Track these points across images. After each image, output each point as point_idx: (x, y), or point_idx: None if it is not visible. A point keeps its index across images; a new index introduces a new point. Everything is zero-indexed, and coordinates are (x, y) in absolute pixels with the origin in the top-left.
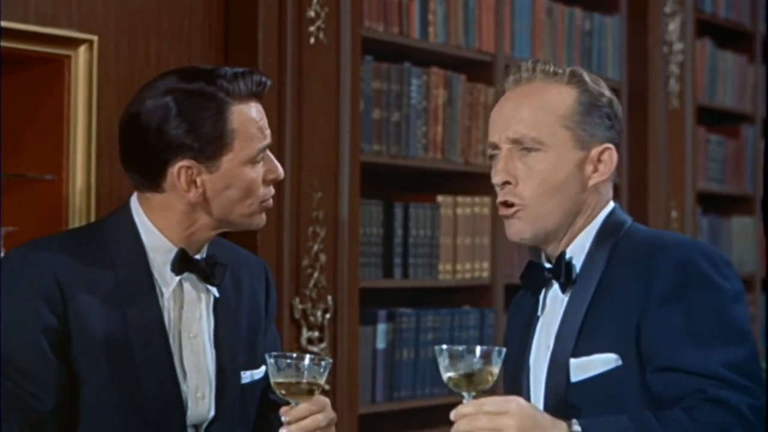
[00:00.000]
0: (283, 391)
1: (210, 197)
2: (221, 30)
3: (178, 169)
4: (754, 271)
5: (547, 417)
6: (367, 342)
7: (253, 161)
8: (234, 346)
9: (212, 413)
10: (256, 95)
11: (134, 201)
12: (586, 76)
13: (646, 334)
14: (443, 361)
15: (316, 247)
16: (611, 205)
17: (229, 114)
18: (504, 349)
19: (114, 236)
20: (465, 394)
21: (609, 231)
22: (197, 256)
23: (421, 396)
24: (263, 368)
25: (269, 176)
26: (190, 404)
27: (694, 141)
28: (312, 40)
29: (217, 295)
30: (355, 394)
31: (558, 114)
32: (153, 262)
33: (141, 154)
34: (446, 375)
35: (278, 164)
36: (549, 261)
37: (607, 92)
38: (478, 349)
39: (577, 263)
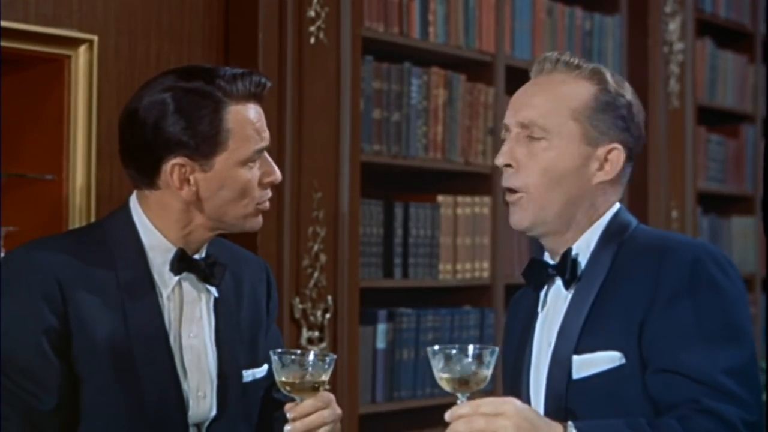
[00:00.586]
0: (287, 388)
1: (204, 197)
2: (221, 30)
3: (172, 166)
4: (754, 271)
5: (543, 419)
6: (367, 342)
7: (247, 162)
8: (235, 345)
9: (214, 412)
10: (255, 96)
11: (133, 200)
12: (609, 76)
13: (649, 334)
14: (437, 363)
15: (316, 247)
16: (617, 205)
17: (226, 113)
18: (497, 349)
19: (114, 236)
20: (459, 395)
21: (615, 231)
22: (196, 256)
23: (421, 396)
24: (265, 367)
25: (266, 179)
26: (191, 403)
27: (695, 141)
28: (312, 40)
29: (216, 295)
30: (355, 394)
31: (571, 106)
32: (152, 262)
33: (138, 150)
34: (440, 376)
35: (276, 167)
36: (552, 258)
37: (629, 96)
38: (470, 350)
39: (582, 261)
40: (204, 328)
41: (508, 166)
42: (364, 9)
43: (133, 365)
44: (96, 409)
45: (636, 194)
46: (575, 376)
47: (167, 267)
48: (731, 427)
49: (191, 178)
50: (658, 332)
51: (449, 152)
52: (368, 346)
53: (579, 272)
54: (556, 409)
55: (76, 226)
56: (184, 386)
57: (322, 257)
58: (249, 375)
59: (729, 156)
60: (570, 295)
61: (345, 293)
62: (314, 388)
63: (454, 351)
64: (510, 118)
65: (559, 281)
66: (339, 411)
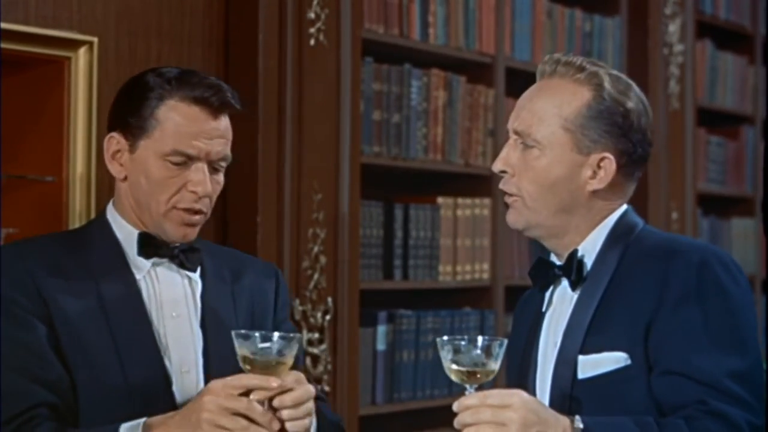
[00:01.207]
0: (247, 366)
1: (130, 180)
2: (221, 31)
3: (109, 138)
4: (755, 272)
5: (550, 412)
6: (367, 343)
7: (166, 158)
8: (223, 331)
9: (202, 387)
10: (204, 104)
11: (110, 204)
12: (607, 81)
13: (656, 336)
14: (446, 354)
15: (316, 249)
16: (624, 207)
17: (162, 104)
18: (505, 341)
19: (90, 235)
20: (467, 386)
21: (621, 232)
22: (176, 244)
23: (422, 397)
24: None
25: (189, 186)
26: (174, 378)
27: (695, 142)
28: (312, 42)
29: (198, 281)
30: (355, 395)
31: (562, 115)
32: (127, 253)
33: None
34: (448, 367)
35: (207, 182)
36: (558, 258)
37: (631, 103)
38: (480, 341)
39: (588, 262)
40: (189, 310)
41: (504, 171)
42: (364, 10)
43: (115, 345)
44: (88, 393)
45: (636, 195)
46: (581, 375)
47: (136, 252)
48: (737, 429)
49: (122, 156)
50: (664, 335)
51: (449, 154)
52: (368, 348)
53: (585, 273)
54: (560, 409)
55: (77, 227)
56: (166, 361)
57: (322, 259)
58: None
59: (729, 157)
60: (576, 296)
61: (345, 295)
62: (274, 366)
63: (463, 342)
64: (510, 123)
65: (564, 281)
66: (312, 389)
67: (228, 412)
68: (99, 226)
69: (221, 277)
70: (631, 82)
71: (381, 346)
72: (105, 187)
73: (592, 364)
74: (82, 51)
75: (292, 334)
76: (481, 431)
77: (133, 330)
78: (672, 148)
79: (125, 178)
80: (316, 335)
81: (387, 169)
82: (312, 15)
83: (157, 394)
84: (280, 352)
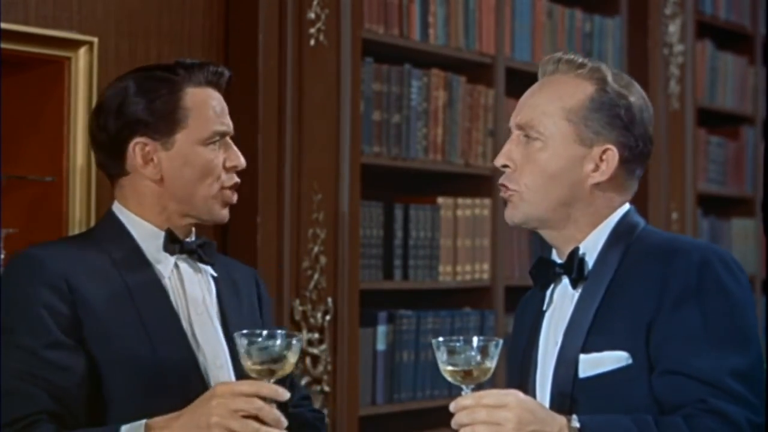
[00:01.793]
0: (252, 366)
1: (167, 175)
2: (222, 32)
3: (134, 146)
4: (755, 272)
5: (547, 411)
6: (367, 343)
7: (207, 142)
8: (241, 325)
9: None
10: (213, 84)
11: (115, 205)
12: (609, 75)
13: (657, 335)
14: (441, 355)
15: (316, 249)
16: (627, 206)
17: (183, 94)
18: (501, 341)
19: (105, 236)
20: (463, 386)
21: (623, 231)
22: (187, 240)
23: (422, 397)
24: None
25: (229, 163)
26: (210, 373)
27: (695, 142)
28: (312, 42)
29: (214, 274)
30: (355, 395)
31: (565, 107)
32: (146, 251)
33: (104, 137)
34: (444, 368)
35: (240, 154)
36: (559, 257)
37: (633, 98)
38: (475, 341)
39: (590, 260)
40: (209, 307)
41: (506, 166)
42: (364, 11)
43: (151, 346)
44: (120, 392)
45: (636, 196)
46: (582, 374)
47: (161, 249)
48: (737, 428)
49: (155, 157)
50: (665, 334)
51: (449, 154)
52: (368, 348)
53: (586, 272)
54: (561, 408)
55: (76, 228)
56: (200, 357)
57: (322, 259)
58: None
59: (729, 158)
60: (577, 294)
61: (345, 295)
62: (279, 365)
63: (458, 343)
64: (511, 120)
65: (565, 280)
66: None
67: (238, 414)
68: (111, 226)
69: (225, 278)
70: (632, 80)
71: (381, 346)
72: (105, 188)
73: (593, 364)
74: (82, 51)
75: (296, 333)
76: (477, 431)
77: (165, 325)
78: (672, 149)
79: (161, 179)
80: (316, 335)
81: (387, 169)
82: (312, 15)
83: (194, 391)
84: (284, 351)
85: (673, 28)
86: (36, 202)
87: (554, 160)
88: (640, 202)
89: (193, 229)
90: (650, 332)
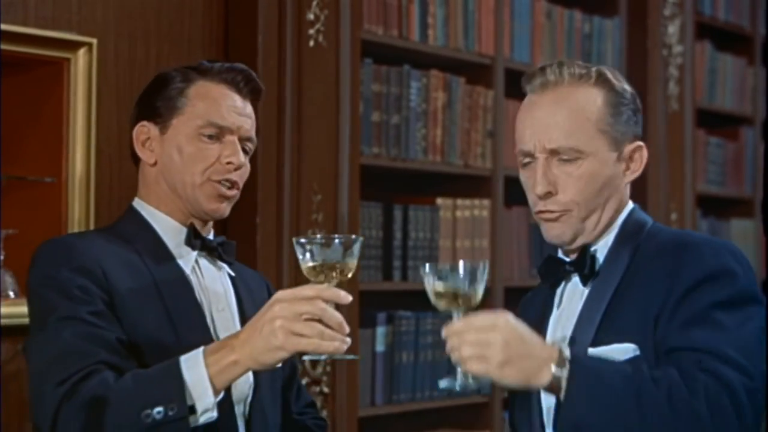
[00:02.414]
0: (315, 274)
1: (161, 161)
2: (221, 32)
3: (137, 129)
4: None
5: (537, 339)
6: (366, 344)
7: (200, 131)
8: None
9: (251, 382)
10: (231, 84)
11: (136, 201)
12: (610, 75)
13: (663, 322)
14: (429, 280)
15: None
16: (631, 204)
17: (191, 84)
18: (488, 263)
19: (128, 230)
20: (453, 311)
21: (631, 229)
22: (210, 237)
23: (421, 399)
24: None
25: (224, 158)
26: None
27: (694, 143)
28: (311, 43)
29: (232, 273)
30: (354, 396)
31: (592, 119)
32: (168, 245)
33: (129, 124)
34: (433, 294)
35: (241, 154)
36: (567, 255)
37: (628, 86)
38: (461, 266)
39: (600, 257)
40: (229, 304)
41: (549, 193)
42: (363, 12)
43: (176, 338)
44: None
45: (635, 196)
46: None
47: (183, 244)
48: (730, 389)
49: (151, 140)
50: (671, 319)
51: (448, 155)
52: (367, 349)
53: (597, 268)
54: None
55: (76, 228)
56: None
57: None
58: None
59: (728, 158)
60: (587, 291)
61: None
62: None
63: (447, 266)
64: (532, 144)
65: (575, 278)
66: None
67: (302, 317)
68: (135, 222)
69: (241, 279)
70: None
71: (380, 347)
72: (104, 188)
73: (601, 357)
74: (82, 52)
75: (353, 236)
76: (463, 352)
77: (190, 318)
78: (671, 150)
79: (155, 163)
80: None
81: (386, 170)
82: (311, 16)
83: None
84: (343, 257)
85: (673, 28)
86: (36, 202)
87: (599, 173)
88: (639, 202)
89: (212, 229)
90: (657, 323)
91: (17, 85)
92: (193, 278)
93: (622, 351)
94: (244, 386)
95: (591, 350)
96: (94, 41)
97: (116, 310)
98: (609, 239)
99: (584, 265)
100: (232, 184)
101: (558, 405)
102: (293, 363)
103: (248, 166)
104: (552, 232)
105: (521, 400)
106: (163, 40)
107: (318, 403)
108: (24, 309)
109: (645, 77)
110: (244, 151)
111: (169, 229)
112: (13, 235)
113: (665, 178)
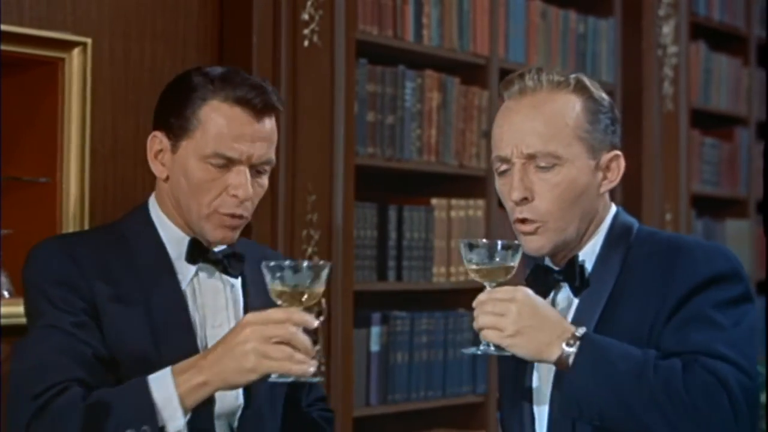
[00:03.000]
0: (280, 300)
1: (172, 181)
2: (216, 32)
3: (152, 136)
4: (749, 273)
5: (554, 313)
6: (361, 345)
7: (207, 160)
8: None
9: (241, 401)
10: (246, 104)
11: (151, 198)
12: (588, 83)
13: (658, 329)
14: (466, 254)
15: (310, 250)
16: (614, 208)
17: (205, 104)
18: (521, 246)
19: (132, 232)
20: (486, 283)
21: (618, 234)
22: (217, 249)
23: (416, 399)
24: None
25: (231, 190)
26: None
27: (689, 144)
28: (306, 43)
29: (239, 289)
30: (349, 396)
31: (570, 125)
32: (171, 255)
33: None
34: (468, 266)
35: (248, 186)
36: (554, 263)
37: (605, 95)
38: (499, 244)
39: (588, 265)
40: (229, 319)
41: (525, 199)
42: (358, 12)
43: (158, 352)
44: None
45: (630, 197)
46: None
47: (183, 257)
48: (725, 385)
49: (165, 156)
50: (667, 325)
51: (443, 155)
52: (362, 349)
53: (586, 276)
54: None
55: (71, 228)
56: None
57: (316, 260)
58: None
59: (723, 159)
60: (577, 301)
61: (339, 296)
62: (307, 295)
63: (483, 241)
64: (509, 150)
65: (566, 287)
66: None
67: (272, 340)
68: (142, 222)
69: (256, 280)
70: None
71: (375, 347)
72: (99, 188)
73: None
74: (76, 52)
75: (321, 262)
76: (479, 320)
77: (178, 339)
78: (666, 150)
79: (167, 178)
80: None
81: (381, 171)
82: (306, 16)
83: (199, 407)
84: (311, 282)
85: (667, 29)
86: (31, 203)
87: (576, 181)
88: (634, 203)
89: None
90: (652, 331)
91: (11, 85)
92: (188, 293)
93: None
94: (230, 399)
95: None
96: (89, 41)
97: (101, 323)
98: (596, 245)
99: (574, 276)
100: (238, 216)
101: (557, 378)
102: None
103: (265, 184)
104: (531, 246)
105: (511, 402)
106: (158, 40)
107: None
108: (20, 309)
109: (640, 77)
110: (260, 173)
111: (173, 239)
112: (8, 235)
113: (660, 178)
